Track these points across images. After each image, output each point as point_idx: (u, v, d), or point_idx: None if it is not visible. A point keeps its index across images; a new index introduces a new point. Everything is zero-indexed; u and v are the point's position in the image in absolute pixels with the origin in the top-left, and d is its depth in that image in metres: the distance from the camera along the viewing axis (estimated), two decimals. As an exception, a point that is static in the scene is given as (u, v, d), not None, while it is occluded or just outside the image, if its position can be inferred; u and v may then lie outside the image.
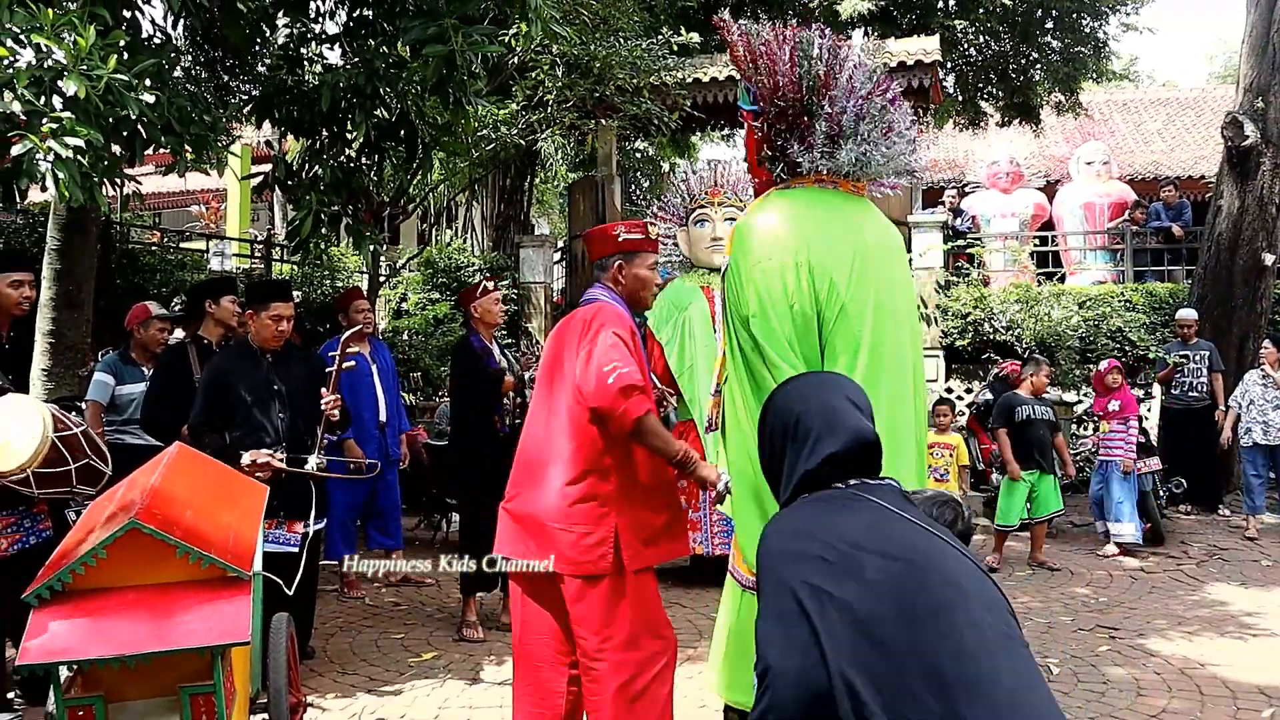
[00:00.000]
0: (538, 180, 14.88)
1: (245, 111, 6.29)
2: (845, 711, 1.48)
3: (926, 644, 1.52)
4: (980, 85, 17.26)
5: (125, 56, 3.87)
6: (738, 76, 4.19)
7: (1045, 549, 7.47)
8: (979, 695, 1.52)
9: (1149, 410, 9.89)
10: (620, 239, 3.56)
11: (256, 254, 13.48)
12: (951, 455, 7.98)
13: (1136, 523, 7.69)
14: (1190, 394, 9.19)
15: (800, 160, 3.79)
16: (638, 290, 3.56)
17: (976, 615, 1.57)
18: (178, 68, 4.88)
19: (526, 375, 5.74)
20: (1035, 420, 7.46)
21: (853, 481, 1.88)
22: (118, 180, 4.34)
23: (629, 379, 3.12)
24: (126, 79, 3.75)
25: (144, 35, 4.97)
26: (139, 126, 4.11)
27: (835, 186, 3.85)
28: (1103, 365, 8.28)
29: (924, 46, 12.82)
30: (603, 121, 11.63)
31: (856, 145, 3.75)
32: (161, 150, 4.49)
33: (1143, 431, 8.65)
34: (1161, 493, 8.40)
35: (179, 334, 5.84)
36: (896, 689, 1.49)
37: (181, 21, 5.17)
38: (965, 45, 16.76)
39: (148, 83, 3.91)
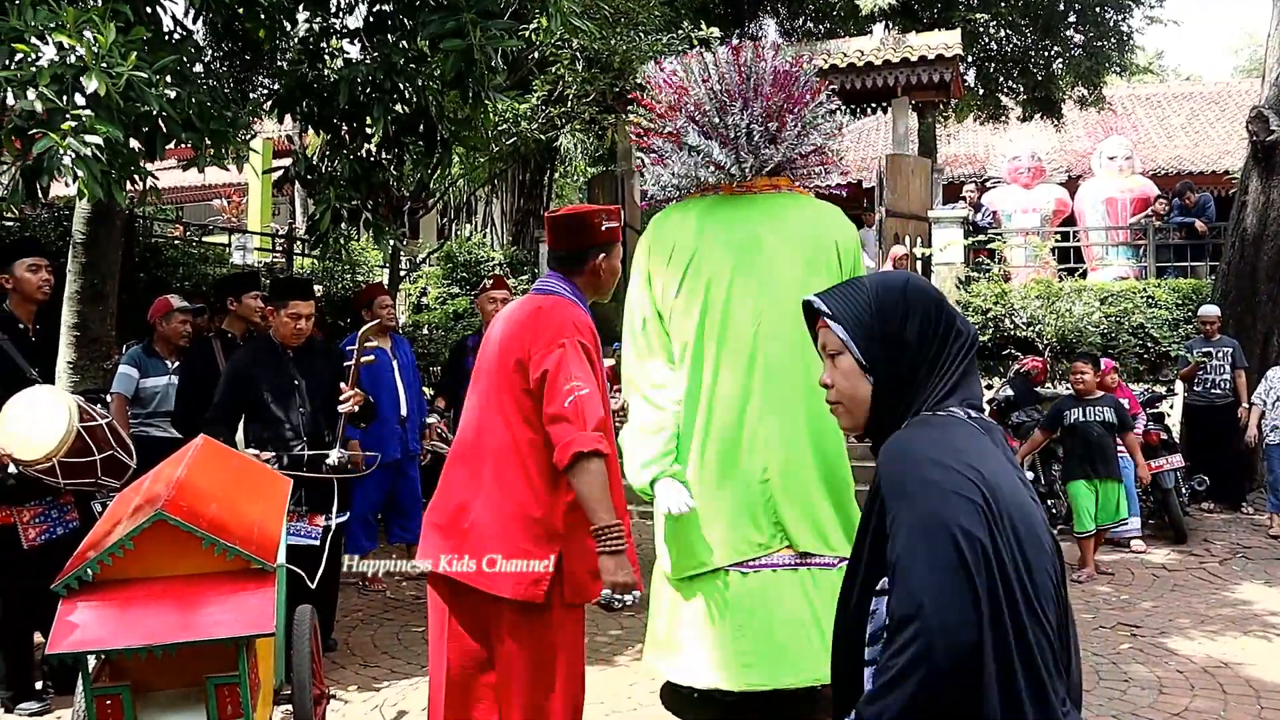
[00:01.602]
0: (558, 175, 14.89)
1: (266, 106, 6.33)
2: (990, 675, 1.47)
3: (1050, 612, 1.55)
4: (1001, 79, 17.18)
5: (146, 53, 3.89)
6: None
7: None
8: (1066, 671, 1.62)
9: (1171, 407, 9.81)
10: (604, 228, 3.11)
11: (278, 248, 13.55)
12: None
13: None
14: (1213, 391, 9.11)
15: (700, 171, 4.24)
16: (608, 285, 3.19)
17: (1057, 579, 1.62)
18: (198, 63, 4.90)
19: None
20: (1088, 423, 7.05)
21: (973, 412, 1.69)
22: (137, 175, 4.37)
23: (585, 403, 2.79)
24: (147, 75, 3.77)
25: (165, 31, 4.99)
26: (159, 122, 4.13)
27: (752, 191, 4.27)
28: (1102, 365, 8.22)
29: (945, 41, 12.79)
30: (623, 116, 11.63)
31: (775, 150, 4.20)
32: (182, 145, 4.52)
33: (1165, 429, 8.60)
34: (1184, 490, 8.35)
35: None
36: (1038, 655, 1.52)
37: (202, 17, 5.19)
38: (986, 39, 16.68)
39: (168, 79, 3.93)
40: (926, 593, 1.44)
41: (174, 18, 5.19)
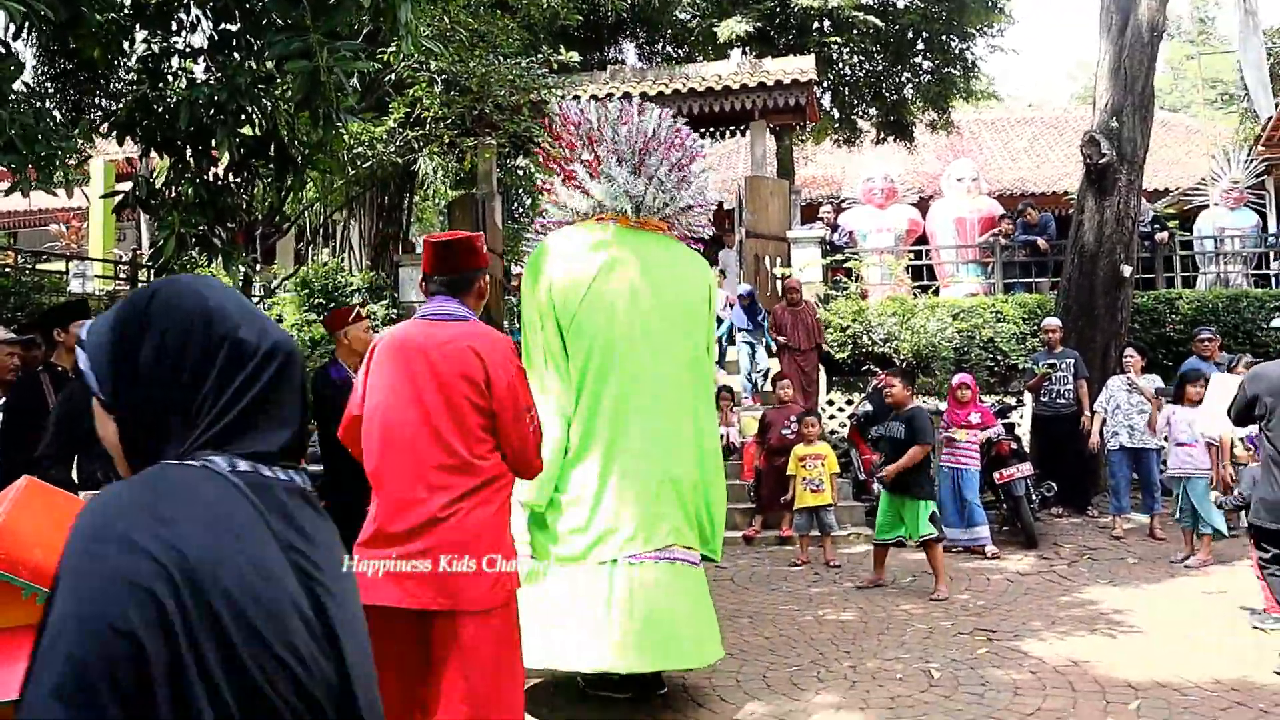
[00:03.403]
0: (418, 198, 14.66)
1: (103, 129, 6.03)
2: None
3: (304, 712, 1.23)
4: (856, 103, 17.75)
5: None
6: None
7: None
8: None
9: (1021, 417, 10.22)
10: (484, 251, 3.37)
11: (121, 275, 12.94)
12: (823, 465, 8.10)
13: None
14: (1059, 401, 9.53)
15: (586, 199, 4.87)
16: (481, 304, 3.36)
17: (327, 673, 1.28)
18: (18, 81, 4.61)
19: None
20: (885, 438, 7.27)
21: (248, 465, 1.29)
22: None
23: (539, 428, 3.21)
24: (-40, 94, 3.53)
25: (-17, 48, 4.70)
26: (-23, 144, 3.88)
27: (637, 226, 4.88)
28: (954, 380, 8.57)
29: (800, 66, 13.11)
30: (482, 139, 11.53)
31: (655, 188, 4.87)
32: (3, 169, 4.25)
33: (1015, 438, 8.94)
34: (1034, 497, 8.68)
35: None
36: None
37: (29, 34, 4.91)
38: (841, 65, 17.23)
39: (-13, 97, 3.70)
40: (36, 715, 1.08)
41: (-8, 34, 4.89)
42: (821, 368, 10.99)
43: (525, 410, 3.15)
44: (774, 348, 10.92)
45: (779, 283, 12.34)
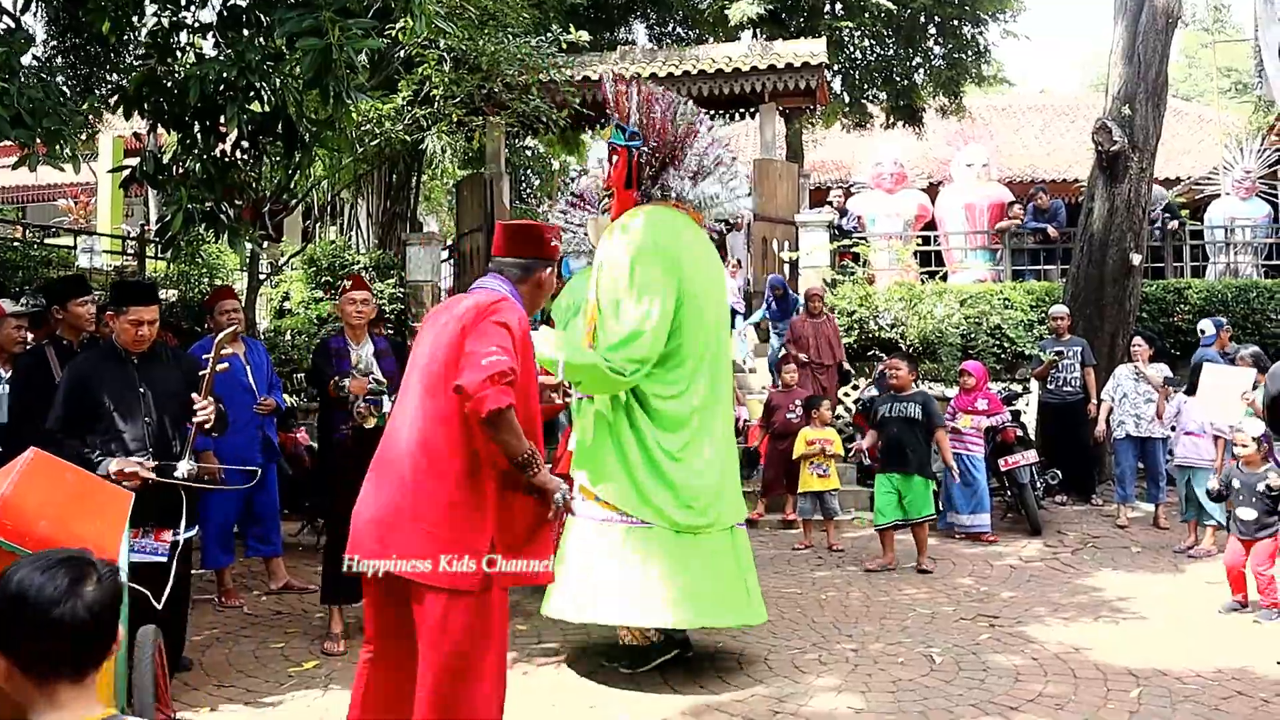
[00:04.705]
0: (425, 177, 14.64)
1: (112, 103, 6.02)
2: None
3: None
4: (866, 87, 17.65)
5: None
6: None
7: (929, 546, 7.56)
8: None
9: (1026, 405, 10.21)
10: (552, 245, 3.41)
11: (129, 251, 12.95)
12: (829, 450, 8.12)
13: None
14: (1065, 389, 9.51)
15: (674, 185, 5.09)
16: (542, 301, 3.44)
17: None
18: (28, 56, 4.60)
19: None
20: (893, 419, 7.36)
21: None
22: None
23: (499, 366, 2.93)
24: (-32, 68, 3.53)
25: (-8, 21, 4.70)
26: (-15, 118, 3.88)
27: (685, 212, 5.14)
28: (964, 365, 8.59)
29: (811, 49, 13.03)
30: (491, 118, 11.50)
31: (708, 187, 5.17)
32: (11, 143, 4.25)
33: (1021, 425, 8.93)
34: (1039, 484, 8.68)
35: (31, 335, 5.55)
36: None
37: (38, 8, 4.90)
38: (852, 48, 17.14)
39: (-5, 71, 3.69)
40: None
41: (1, 8, 4.87)
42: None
43: (487, 345, 3.00)
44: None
45: (785, 266, 12.32)
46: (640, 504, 4.68)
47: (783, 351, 10.17)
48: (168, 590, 3.97)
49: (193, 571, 5.88)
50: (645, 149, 5.04)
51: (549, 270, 3.40)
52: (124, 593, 1.76)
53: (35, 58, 5.38)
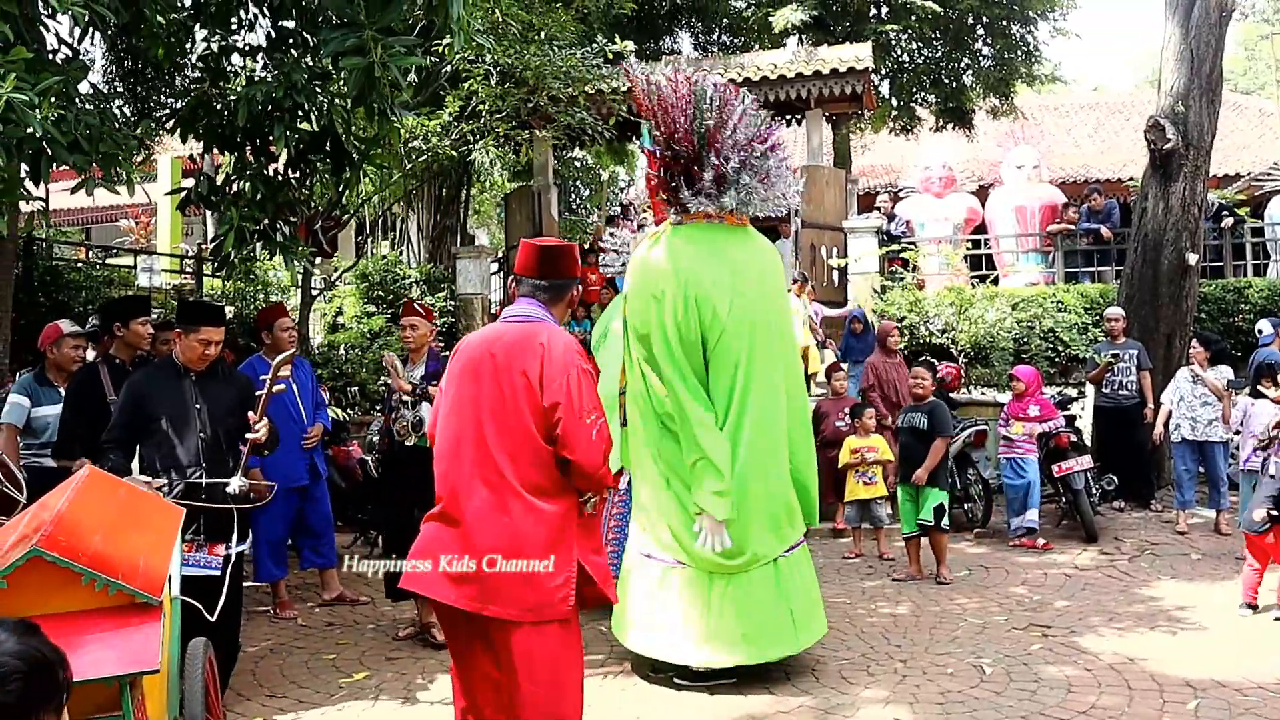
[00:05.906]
0: (475, 191, 14.78)
1: (167, 126, 6.18)
2: None
3: None
4: (914, 90, 17.51)
5: (27, 74, 3.75)
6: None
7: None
8: None
9: (1082, 409, 10.04)
10: (579, 264, 3.44)
11: (187, 270, 13.24)
12: (876, 457, 8.04)
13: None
14: (1121, 392, 9.34)
15: (689, 204, 4.74)
16: (568, 315, 3.47)
17: None
18: (84, 82, 4.75)
19: None
20: (904, 429, 7.26)
21: None
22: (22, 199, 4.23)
23: (606, 433, 3.07)
24: (28, 97, 3.64)
25: (50, 50, 4.84)
26: (44, 145, 3.99)
27: (721, 220, 4.82)
28: (1014, 371, 8.48)
29: (856, 54, 12.98)
30: (537, 131, 11.59)
31: (738, 192, 4.73)
32: (69, 169, 4.38)
33: (1075, 430, 8.79)
34: (1094, 490, 8.53)
35: (90, 354, 5.71)
36: None
37: (95, 36, 5.05)
38: (899, 52, 17.02)
39: (52, 100, 3.81)
40: None
41: (58, 36, 5.03)
42: None
43: (588, 412, 3.04)
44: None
45: (834, 273, 12.25)
46: (678, 546, 4.78)
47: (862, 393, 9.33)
48: (220, 603, 4.05)
49: (248, 584, 6.02)
50: (668, 153, 4.86)
51: (579, 287, 3.47)
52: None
53: (92, 84, 5.54)
